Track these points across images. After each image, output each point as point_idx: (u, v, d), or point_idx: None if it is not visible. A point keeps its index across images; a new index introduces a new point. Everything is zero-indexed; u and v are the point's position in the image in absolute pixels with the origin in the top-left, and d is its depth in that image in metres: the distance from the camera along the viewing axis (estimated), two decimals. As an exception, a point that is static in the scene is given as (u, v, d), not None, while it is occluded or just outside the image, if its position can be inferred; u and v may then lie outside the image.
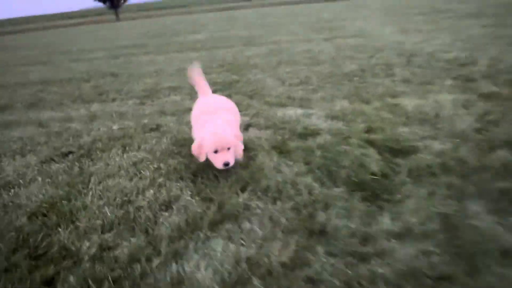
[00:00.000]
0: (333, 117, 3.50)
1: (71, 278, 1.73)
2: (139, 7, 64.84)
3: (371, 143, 2.85)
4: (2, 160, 3.26)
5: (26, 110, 5.04)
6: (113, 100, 5.11)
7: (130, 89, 5.64)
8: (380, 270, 1.62)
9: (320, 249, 1.78)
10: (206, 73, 4.74)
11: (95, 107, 4.84)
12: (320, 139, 3.00)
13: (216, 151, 2.39)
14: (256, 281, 1.63)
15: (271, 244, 1.84)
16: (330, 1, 35.61)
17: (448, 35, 7.69)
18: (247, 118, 3.70)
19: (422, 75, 4.74)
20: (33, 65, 9.66)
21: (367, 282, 1.57)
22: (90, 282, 1.70)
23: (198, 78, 3.19)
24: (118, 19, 44.23)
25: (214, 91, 4.37)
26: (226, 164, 2.37)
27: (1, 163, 3.21)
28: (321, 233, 1.89)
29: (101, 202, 2.36)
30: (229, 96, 4.35)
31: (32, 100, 5.58)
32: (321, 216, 2.01)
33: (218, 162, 2.38)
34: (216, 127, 2.47)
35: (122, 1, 46.75)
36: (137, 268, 1.77)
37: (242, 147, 2.55)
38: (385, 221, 1.93)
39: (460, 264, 1.62)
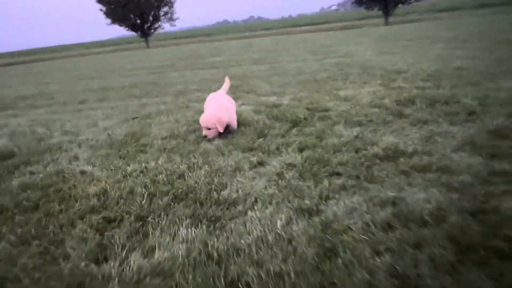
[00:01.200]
0: (293, 99, 5.77)
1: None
2: (167, 36, 69.61)
3: (307, 108, 5.08)
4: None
5: (99, 103, 7.51)
6: (156, 96, 7.54)
7: (167, 91, 8.07)
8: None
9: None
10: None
11: (144, 100, 7.25)
12: (280, 107, 5.26)
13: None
14: (230, 145, 3.88)
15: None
16: (345, 30, 38.24)
17: (410, 55, 9.89)
18: (242, 102, 6.01)
19: (366, 79, 6.95)
20: (91, 79, 12.40)
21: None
22: (161, 147, 3.98)
23: (226, 83, 5.13)
24: (148, 46, 48.22)
25: (233, 93, 6.81)
26: (205, 136, 4.06)
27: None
28: (263, 135, 4.12)
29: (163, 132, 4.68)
30: (234, 92, 6.71)
31: (100, 97, 8.09)
32: (262, 131, 4.25)
33: (203, 133, 4.09)
34: (208, 112, 4.12)
35: (152, 30, 50.95)
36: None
37: (235, 124, 4.29)
38: (297, 134, 4.15)
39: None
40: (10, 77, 19.13)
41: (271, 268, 1.87)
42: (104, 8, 48.80)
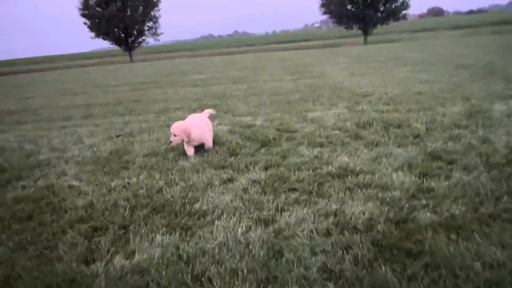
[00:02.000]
0: (266, 120, 6.30)
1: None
2: (150, 49, 70.03)
3: (277, 129, 5.62)
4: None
5: (83, 120, 7.90)
6: (139, 114, 7.97)
7: (149, 109, 8.51)
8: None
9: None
10: (200, 100, 7.82)
11: (127, 118, 7.67)
12: (254, 128, 5.78)
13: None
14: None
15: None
16: (326, 47, 39.46)
17: (378, 76, 10.64)
18: (219, 121, 6.50)
19: (334, 101, 7.56)
20: (75, 95, 12.73)
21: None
22: (142, 164, 4.43)
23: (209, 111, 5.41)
24: (132, 60, 48.49)
25: (202, 111, 7.26)
26: (170, 142, 4.61)
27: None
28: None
29: (145, 150, 5.12)
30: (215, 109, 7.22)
31: (85, 114, 8.47)
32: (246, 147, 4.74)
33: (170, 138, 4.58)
34: (179, 122, 4.65)
35: (136, 45, 51.27)
36: (160, 162, 4.49)
37: (211, 143, 4.76)
38: (264, 153, 4.66)
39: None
40: (-8, 89, 19.16)
41: (228, 265, 2.34)
42: (88, 22, 49.00)
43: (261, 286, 2.15)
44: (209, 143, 4.77)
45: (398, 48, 26.22)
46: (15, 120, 8.57)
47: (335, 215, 2.90)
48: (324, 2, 47.77)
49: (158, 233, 2.84)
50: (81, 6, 48.47)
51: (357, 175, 3.64)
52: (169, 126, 6.46)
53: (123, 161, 4.68)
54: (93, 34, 49.51)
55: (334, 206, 3.04)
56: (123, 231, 2.92)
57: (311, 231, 2.69)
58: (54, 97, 12.70)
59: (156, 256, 2.52)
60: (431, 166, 3.69)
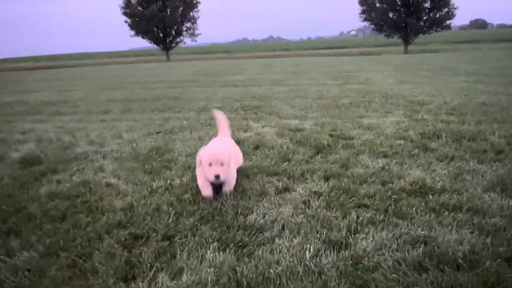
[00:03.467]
0: (315, 124, 5.78)
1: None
2: (187, 50, 71.00)
3: (330, 134, 5.09)
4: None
5: (122, 114, 7.65)
6: (179, 111, 7.64)
7: (189, 107, 8.17)
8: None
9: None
10: (241, 100, 7.45)
11: (167, 115, 7.35)
12: (304, 132, 5.28)
13: (210, 164, 2.95)
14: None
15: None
16: (363, 56, 38.44)
17: (431, 86, 9.87)
18: (265, 123, 6.04)
19: (388, 108, 6.94)
20: (113, 90, 12.65)
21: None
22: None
23: (220, 120, 3.95)
24: (168, 59, 49.15)
25: (246, 112, 6.88)
26: (217, 177, 2.90)
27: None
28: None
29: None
30: (256, 112, 6.80)
31: (123, 109, 8.23)
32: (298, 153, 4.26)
33: (210, 174, 2.90)
34: (215, 147, 3.19)
35: (174, 44, 51.99)
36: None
37: (233, 184, 3.15)
38: (321, 161, 4.15)
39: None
40: (35, 81, 19.63)
41: (304, 301, 1.85)
42: (129, 20, 50.16)
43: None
44: (231, 183, 3.21)
45: (443, 58, 24.99)
46: (54, 111, 8.45)
47: (425, 243, 2.35)
48: (364, 9, 46.62)
49: (209, 248, 2.39)
50: (123, 5, 49.69)
51: (440, 194, 3.06)
52: (211, 125, 6.08)
53: (165, 159, 4.29)
54: (133, 33, 50.63)
55: (420, 232, 2.49)
56: (167, 242, 2.49)
57: (398, 262, 2.16)
58: (93, 91, 12.68)
59: (209, 280, 2.06)
60: (531, 189, 3.06)
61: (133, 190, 3.44)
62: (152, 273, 2.17)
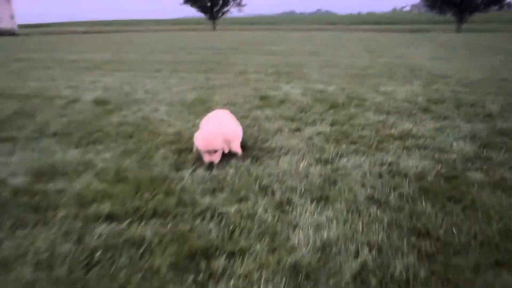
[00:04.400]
0: (337, 88, 6.57)
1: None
2: (233, 21, 71.40)
3: (347, 96, 5.88)
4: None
5: (171, 73, 8.75)
6: (220, 73, 8.63)
7: (229, 70, 9.13)
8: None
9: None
10: (276, 66, 8.30)
11: (208, 75, 8.35)
12: (325, 93, 6.10)
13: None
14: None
15: (285, 110, 5.02)
16: (413, 33, 37.36)
17: (462, 62, 10.18)
18: (293, 85, 6.90)
19: (409, 79, 7.54)
20: (163, 53, 13.87)
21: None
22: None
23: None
24: (214, 28, 50.09)
25: (279, 76, 7.75)
26: (211, 164, 3.13)
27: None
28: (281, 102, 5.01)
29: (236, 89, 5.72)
30: (287, 76, 7.65)
31: (172, 69, 9.34)
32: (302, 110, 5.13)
33: (205, 159, 3.16)
34: (207, 131, 3.24)
35: (220, 14, 52.72)
36: (237, 110, 5.05)
37: (237, 146, 3.39)
38: (332, 114, 4.99)
39: (347, 119, 4.66)
40: (92, 44, 21.32)
41: (290, 183, 2.80)
42: (177, -12, 51.32)
43: (315, 200, 2.58)
44: (237, 146, 3.45)
45: (494, 38, 24.09)
46: (113, 68, 9.73)
47: (390, 164, 3.21)
48: (417, -17, 44.58)
49: (232, 159, 3.37)
50: (174, -27, 50.73)
51: (418, 138, 3.86)
52: (246, 85, 7.02)
53: (206, 106, 5.30)
54: (182, 0, 51.79)
55: (390, 159, 3.34)
56: (204, 153, 3.50)
57: (365, 173, 3.04)
58: (145, 54, 13.95)
59: (231, 172, 3.06)
60: (495, 140, 3.78)
61: (180, 124, 4.48)
62: (193, 168, 3.18)
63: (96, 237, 2.16)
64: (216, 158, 3.21)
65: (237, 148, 3.42)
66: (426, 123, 4.45)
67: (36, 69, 9.74)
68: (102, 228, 2.24)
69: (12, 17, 41.07)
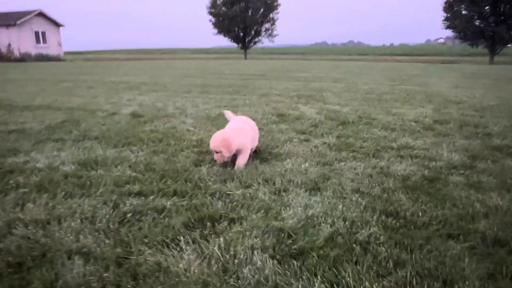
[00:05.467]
0: (352, 110, 7.05)
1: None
2: (264, 51, 73.60)
3: (359, 116, 6.34)
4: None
5: (200, 94, 9.52)
6: (244, 95, 9.31)
7: (253, 92, 9.82)
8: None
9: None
10: (298, 91, 8.89)
11: (235, 96, 9.05)
12: (338, 113, 6.59)
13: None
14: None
15: (298, 125, 5.56)
16: (443, 64, 37.34)
17: (482, 90, 10.42)
18: (310, 106, 7.44)
19: (424, 103, 7.91)
20: (195, 77, 14.86)
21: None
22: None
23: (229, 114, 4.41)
24: (245, 57, 51.90)
25: (299, 99, 8.33)
26: (215, 160, 3.64)
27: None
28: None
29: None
30: (306, 99, 8.20)
31: (201, 91, 10.14)
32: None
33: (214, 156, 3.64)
34: (217, 135, 3.63)
35: (252, 44, 54.70)
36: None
37: (245, 157, 3.66)
38: (341, 129, 5.47)
39: (353, 133, 5.12)
40: (131, 68, 22.88)
41: (288, 178, 3.30)
42: (213, 19, 54.01)
43: (308, 190, 3.06)
44: (244, 158, 3.70)
45: (525, 70, 23.87)
46: (149, 88, 10.65)
47: (381, 168, 3.65)
48: (448, 15, 44.90)
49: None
50: (209, 5, 53.59)
51: (413, 149, 4.28)
52: (267, 105, 7.63)
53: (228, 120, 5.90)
54: (215, 31, 54.31)
55: (382, 164, 3.78)
56: (221, 155, 4.06)
57: (357, 173, 3.50)
58: (178, 78, 14.99)
59: (242, 172, 3.59)
60: (485, 153, 4.14)
61: (203, 133, 5.10)
62: (210, 164, 3.74)
63: (128, 205, 2.73)
64: (218, 158, 3.58)
65: (239, 160, 3.64)
66: (426, 138, 4.85)
67: (80, 88, 10.82)
68: (132, 200, 2.82)
69: (59, 44, 44.38)
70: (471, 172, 3.55)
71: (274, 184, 3.19)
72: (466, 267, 1.97)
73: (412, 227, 2.43)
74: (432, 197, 2.91)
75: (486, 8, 42.81)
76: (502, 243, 2.23)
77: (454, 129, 5.39)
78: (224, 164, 3.67)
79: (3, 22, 38.95)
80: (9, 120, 5.89)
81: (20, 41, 39.24)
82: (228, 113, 4.45)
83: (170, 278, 1.87)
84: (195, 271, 1.93)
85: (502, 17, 42.66)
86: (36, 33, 41.58)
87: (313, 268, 1.95)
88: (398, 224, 2.47)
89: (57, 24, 44.21)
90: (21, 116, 6.21)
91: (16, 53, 38.43)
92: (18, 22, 39.02)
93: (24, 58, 37.56)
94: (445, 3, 45.24)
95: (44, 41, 42.41)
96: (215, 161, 3.69)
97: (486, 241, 2.25)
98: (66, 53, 50.23)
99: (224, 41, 62.29)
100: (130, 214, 2.58)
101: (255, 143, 4.05)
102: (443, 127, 5.54)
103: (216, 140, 3.58)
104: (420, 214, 2.61)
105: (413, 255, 2.08)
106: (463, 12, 44.27)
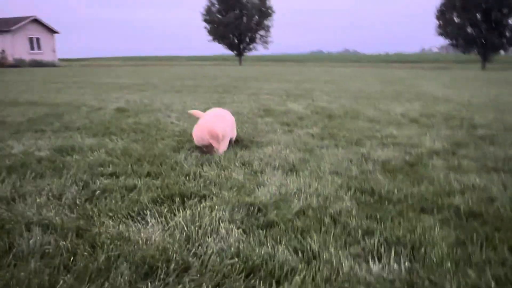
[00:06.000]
0: (339, 106, 7.03)
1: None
2: (259, 58, 74.02)
3: (346, 111, 6.32)
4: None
5: (190, 93, 9.48)
6: (234, 94, 9.28)
7: (243, 92, 9.79)
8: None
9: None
10: (288, 91, 8.83)
11: (224, 95, 9.02)
12: (325, 108, 6.57)
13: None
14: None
15: (283, 118, 5.51)
16: (435, 70, 37.65)
17: (471, 91, 10.47)
18: (299, 103, 7.41)
19: (412, 101, 7.92)
20: (187, 79, 14.83)
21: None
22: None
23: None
24: (240, 64, 52.09)
25: (288, 97, 8.30)
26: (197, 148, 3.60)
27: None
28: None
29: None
30: (296, 98, 8.17)
31: (191, 91, 10.10)
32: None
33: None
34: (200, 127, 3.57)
35: (247, 51, 54.99)
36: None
37: (225, 144, 3.64)
38: (326, 122, 5.44)
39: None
40: (125, 72, 22.84)
41: (269, 162, 3.25)
42: (208, 26, 54.27)
43: (286, 173, 3.00)
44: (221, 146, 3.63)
45: (516, 75, 24.09)
46: (139, 88, 10.61)
47: (362, 154, 3.60)
48: (440, 23, 45.39)
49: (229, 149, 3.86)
50: (204, 12, 53.88)
51: (396, 138, 4.25)
52: (254, 101, 7.59)
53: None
54: (210, 38, 54.52)
55: (364, 150, 3.73)
56: (202, 143, 4.00)
57: (337, 159, 3.45)
58: (170, 80, 14.97)
59: (221, 156, 3.53)
60: (468, 141, 4.11)
61: (187, 125, 5.04)
62: (190, 151, 3.68)
63: (98, 184, 2.66)
64: (209, 150, 3.53)
65: (220, 146, 3.56)
66: (410, 129, 4.82)
67: (70, 88, 10.76)
68: (103, 180, 2.75)
69: (53, 50, 44.30)
70: (452, 157, 3.51)
71: (251, 166, 3.14)
72: (436, 235, 1.91)
73: (386, 202, 2.38)
74: (409, 177, 2.87)
75: (478, 15, 43.32)
76: (476, 215, 2.18)
77: (439, 122, 5.37)
78: (202, 151, 3.61)
79: (-3, 28, 38.87)
80: (-9, 114, 5.81)
81: (14, 47, 39.11)
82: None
83: (129, 246, 1.80)
84: (156, 239, 1.87)
85: (494, 24, 43.17)
86: (31, 39, 41.47)
87: (278, 237, 1.90)
88: (372, 200, 2.42)
89: (52, 31, 44.17)
90: (3, 111, 6.13)
91: (10, 59, 38.28)
92: (13, 28, 38.94)
93: (18, 64, 37.38)
94: (438, 11, 45.77)
95: (39, 47, 42.30)
96: (197, 148, 3.64)
97: (460, 214, 2.20)
98: (62, 59, 50.14)
99: (220, 49, 62.53)
100: (98, 192, 2.51)
101: (233, 133, 4.01)
102: (428, 120, 5.53)
103: (202, 133, 3.52)
104: (396, 191, 2.55)
105: (383, 225, 2.03)
106: (455, 19, 44.78)
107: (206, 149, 3.59)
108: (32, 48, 41.56)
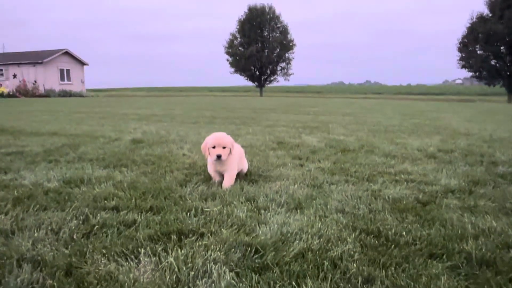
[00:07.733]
0: (355, 139, 6.91)
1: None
2: (280, 89, 74.93)
3: (361, 145, 6.20)
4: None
5: (207, 124, 9.57)
6: (250, 125, 9.31)
7: (260, 123, 9.82)
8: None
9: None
10: (305, 123, 8.83)
11: (240, 126, 9.06)
12: (340, 142, 6.47)
13: (213, 147, 3.55)
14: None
15: (295, 152, 5.44)
16: (458, 102, 37.05)
17: (494, 125, 10.15)
18: (313, 136, 7.35)
19: (431, 135, 7.72)
20: (205, 110, 15.05)
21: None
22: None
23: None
24: (261, 95, 52.78)
25: (304, 129, 8.26)
26: (219, 156, 3.49)
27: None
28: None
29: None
30: (311, 131, 8.12)
31: (208, 121, 10.21)
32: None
33: (213, 154, 3.51)
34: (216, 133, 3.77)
35: (268, 83, 55.84)
36: (252, 149, 5.55)
37: (233, 178, 3.63)
38: (340, 156, 5.34)
39: (351, 160, 4.98)
40: (146, 103, 23.45)
41: (273, 198, 3.17)
42: (230, 59, 55.71)
43: (291, 210, 2.91)
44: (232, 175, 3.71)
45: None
46: (157, 119, 10.81)
47: (373, 191, 3.48)
48: (463, 55, 45.03)
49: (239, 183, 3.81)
50: (226, 45, 55.45)
51: (410, 174, 4.10)
52: (269, 134, 7.58)
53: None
54: (232, 70, 55.81)
55: (375, 187, 3.61)
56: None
57: (346, 196, 3.34)
58: (189, 110, 15.23)
59: (227, 191, 3.48)
60: (487, 179, 3.92)
61: (198, 157, 5.04)
62: (196, 185, 3.65)
63: (98, 218, 2.64)
64: (223, 153, 3.52)
65: (226, 181, 3.60)
66: (426, 165, 4.66)
67: (91, 119, 11.07)
68: (104, 214, 2.73)
69: (82, 81, 46.21)
70: (468, 196, 3.34)
71: (256, 202, 3.06)
72: (442, 285, 1.77)
73: (392, 246, 2.25)
74: (421, 218, 2.72)
75: (502, 48, 42.84)
76: (489, 263, 2.02)
77: (458, 158, 5.18)
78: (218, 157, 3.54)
79: (31, 61, 41.02)
80: (11, 144, 5.99)
81: (46, 78, 41.03)
82: None
83: (115, 287, 1.74)
84: (145, 280, 1.80)
85: (519, 57, 42.52)
86: (61, 71, 43.49)
87: (272, 282, 1.80)
88: (377, 242, 2.30)
89: (81, 63, 46.25)
90: (24, 141, 6.31)
91: (41, 89, 40.08)
92: (45, 60, 41.00)
93: (49, 94, 39.11)
94: (460, 43, 45.56)
95: (68, 78, 44.25)
96: (219, 157, 3.52)
97: (471, 262, 2.05)
98: (89, 90, 52.14)
99: (241, 80, 63.68)
100: (97, 227, 2.48)
101: (242, 165, 4.00)
102: (447, 155, 5.34)
103: (222, 136, 3.68)
104: (404, 233, 2.42)
105: (385, 272, 1.90)
106: (478, 52, 44.38)
107: (222, 152, 3.53)
108: (62, 79, 43.50)
